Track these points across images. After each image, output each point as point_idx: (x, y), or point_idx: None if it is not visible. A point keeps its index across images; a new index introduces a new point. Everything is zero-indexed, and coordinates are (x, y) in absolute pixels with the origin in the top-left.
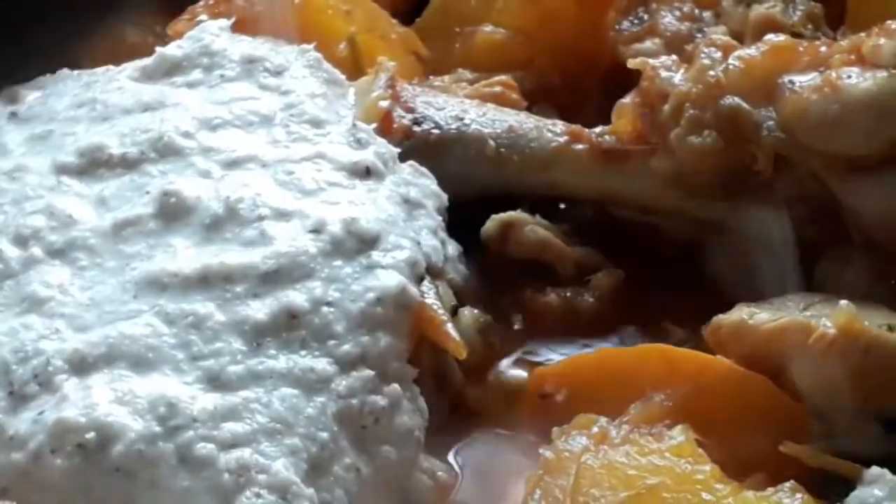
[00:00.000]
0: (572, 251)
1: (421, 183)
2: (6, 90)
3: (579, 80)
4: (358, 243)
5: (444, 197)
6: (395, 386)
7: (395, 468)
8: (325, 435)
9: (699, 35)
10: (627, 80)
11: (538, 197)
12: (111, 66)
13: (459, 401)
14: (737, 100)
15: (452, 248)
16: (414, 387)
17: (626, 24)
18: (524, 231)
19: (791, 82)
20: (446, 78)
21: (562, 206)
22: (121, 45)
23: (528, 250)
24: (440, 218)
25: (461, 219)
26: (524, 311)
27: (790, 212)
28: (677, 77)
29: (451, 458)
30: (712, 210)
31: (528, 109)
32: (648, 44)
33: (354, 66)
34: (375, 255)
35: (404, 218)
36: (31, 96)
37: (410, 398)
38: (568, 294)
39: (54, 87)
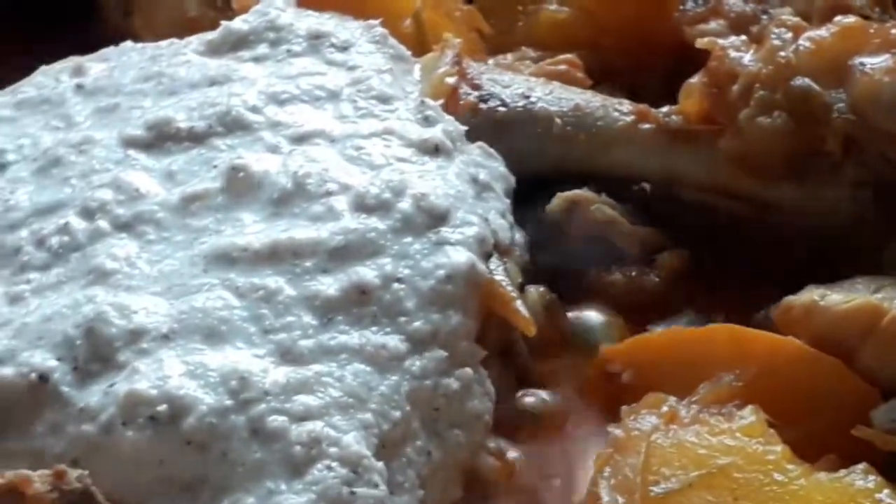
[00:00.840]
0: (637, 230)
1: (490, 165)
2: (71, 62)
3: (643, 61)
4: (427, 219)
5: (513, 179)
6: (468, 370)
7: (464, 452)
8: (397, 413)
9: (764, 16)
10: (692, 60)
11: (603, 176)
12: (175, 40)
13: (526, 378)
14: (808, 81)
15: (519, 235)
16: (482, 369)
17: (690, 4)
18: (590, 209)
19: (862, 64)
20: (510, 56)
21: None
22: (182, 18)
23: (594, 229)
24: (508, 201)
25: (526, 196)
26: (589, 290)
27: (858, 194)
28: (747, 57)
29: None
30: (779, 192)
31: (593, 89)
32: (713, 24)
33: (419, 43)
34: (444, 232)
35: (473, 195)
36: (95, 69)
37: (479, 381)
38: (633, 273)
39: (119, 60)
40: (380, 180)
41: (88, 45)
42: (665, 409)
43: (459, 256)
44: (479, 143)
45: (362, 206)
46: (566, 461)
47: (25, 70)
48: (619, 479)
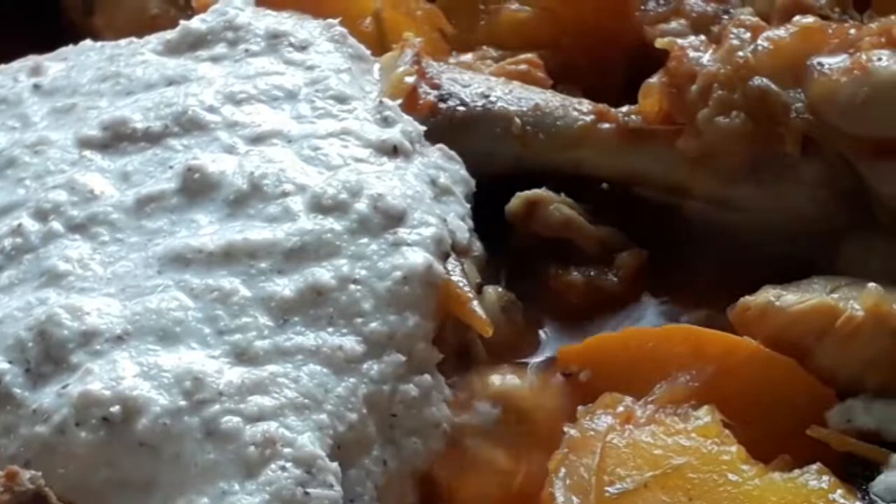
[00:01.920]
0: (596, 230)
1: (451, 167)
2: (30, 61)
3: (604, 60)
4: (384, 220)
5: (473, 183)
6: (427, 376)
7: (421, 460)
8: (353, 416)
9: (725, 16)
10: (653, 60)
11: (562, 176)
12: (134, 39)
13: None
14: (766, 81)
15: (476, 237)
16: (439, 375)
17: (651, 4)
18: (549, 209)
19: (820, 64)
20: (471, 55)
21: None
22: (143, 17)
23: (553, 229)
24: (468, 205)
25: (485, 196)
26: (547, 290)
27: (817, 194)
28: (706, 57)
29: None
30: (738, 191)
31: (553, 88)
32: (674, 24)
33: (379, 42)
34: (401, 233)
35: (431, 196)
36: (54, 68)
37: (437, 387)
38: (592, 273)
39: (77, 59)
40: (336, 181)
41: (51, 43)
42: (621, 409)
43: (416, 257)
44: (440, 146)
45: (319, 206)
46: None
47: None
48: (574, 480)
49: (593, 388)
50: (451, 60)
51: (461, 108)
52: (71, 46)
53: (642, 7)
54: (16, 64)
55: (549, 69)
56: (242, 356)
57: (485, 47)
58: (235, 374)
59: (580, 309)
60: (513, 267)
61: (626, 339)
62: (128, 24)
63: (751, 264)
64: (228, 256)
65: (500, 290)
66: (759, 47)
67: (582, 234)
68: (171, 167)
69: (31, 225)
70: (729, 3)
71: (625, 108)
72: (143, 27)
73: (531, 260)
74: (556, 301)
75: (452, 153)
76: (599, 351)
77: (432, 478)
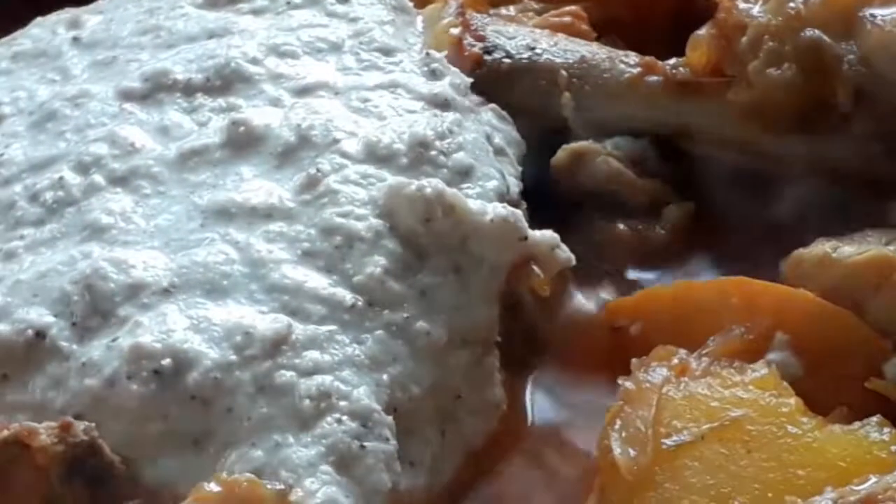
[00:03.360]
0: (644, 183)
1: (504, 129)
2: (68, 14)
3: (647, 13)
4: (450, 174)
5: (524, 145)
6: (493, 358)
7: (478, 438)
8: (416, 390)
9: None
10: (696, 13)
11: (610, 129)
12: None
13: (532, 334)
14: (818, 32)
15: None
16: (496, 352)
17: None
18: (596, 161)
19: (872, 15)
20: (512, 8)
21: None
22: None
23: (599, 181)
24: (520, 168)
25: (530, 148)
26: (593, 243)
27: (868, 147)
28: (756, 9)
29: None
30: (788, 145)
31: (597, 41)
32: None
33: None
34: (465, 187)
35: (491, 153)
36: (92, 21)
37: (497, 367)
38: (639, 226)
39: (115, 13)
40: (391, 130)
41: None
42: (675, 361)
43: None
44: (493, 106)
45: (374, 156)
46: (576, 414)
47: (22, 20)
48: (630, 432)
49: (643, 342)
50: (493, 13)
51: (507, 61)
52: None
53: None
54: (53, 16)
55: (593, 22)
56: (295, 314)
57: (526, 0)
58: (288, 330)
59: (627, 261)
60: (557, 220)
61: (678, 292)
62: None
63: (798, 217)
64: (270, 215)
65: None
66: None
67: (629, 186)
68: (213, 120)
69: (73, 178)
70: None
71: (672, 61)
72: None
73: (576, 213)
74: (603, 254)
75: (504, 113)
76: (650, 304)
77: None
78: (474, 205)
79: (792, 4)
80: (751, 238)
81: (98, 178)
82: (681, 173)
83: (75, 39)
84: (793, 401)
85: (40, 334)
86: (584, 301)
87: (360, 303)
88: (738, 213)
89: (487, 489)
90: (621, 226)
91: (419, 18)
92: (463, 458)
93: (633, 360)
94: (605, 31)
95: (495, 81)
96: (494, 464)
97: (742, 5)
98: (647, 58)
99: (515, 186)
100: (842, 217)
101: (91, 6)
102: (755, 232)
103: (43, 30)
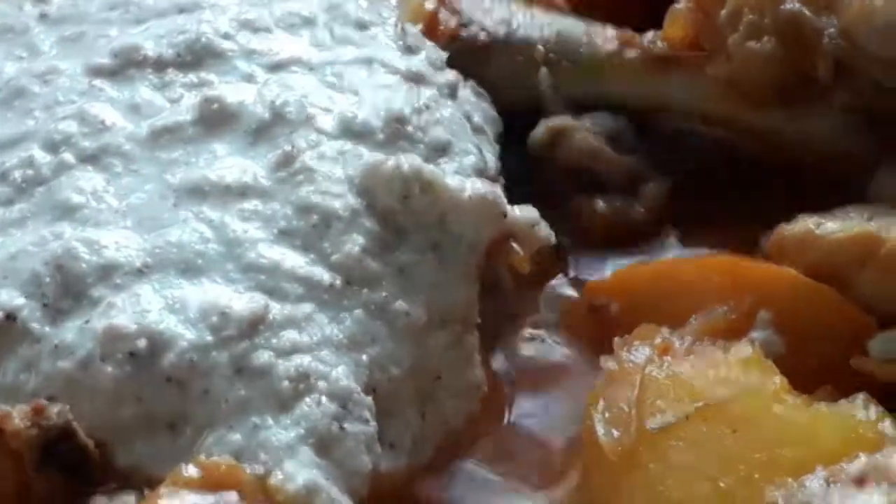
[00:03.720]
0: (622, 160)
1: (482, 107)
2: None
3: None
4: (427, 150)
5: (501, 124)
6: (473, 338)
7: (459, 419)
8: (396, 371)
9: None
10: None
11: (587, 104)
12: None
13: (510, 313)
14: (797, 5)
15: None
16: (477, 334)
17: None
18: (575, 139)
19: None
20: None
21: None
22: None
23: (578, 158)
24: (497, 146)
25: (507, 125)
26: (571, 220)
27: (848, 122)
28: None
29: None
30: (768, 119)
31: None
32: None
33: None
34: (442, 163)
35: (469, 129)
36: None
37: (476, 348)
38: (618, 204)
39: None
40: (367, 106)
41: None
42: (659, 340)
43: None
44: (471, 84)
45: (349, 131)
46: (555, 394)
47: None
48: (613, 413)
49: (623, 321)
50: None
51: (483, 35)
52: None
53: None
54: None
55: None
56: (272, 293)
57: None
58: (265, 310)
59: (605, 239)
60: (535, 198)
61: (658, 270)
62: None
63: (778, 193)
64: (244, 193)
65: None
66: None
67: (608, 163)
68: (184, 97)
69: (42, 157)
70: None
71: (650, 35)
72: None
73: (553, 191)
74: (581, 232)
75: (481, 90)
76: (630, 283)
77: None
78: (452, 181)
79: None
80: (729, 215)
81: (68, 157)
82: (658, 150)
83: (42, 15)
84: (777, 379)
85: (11, 316)
86: (562, 279)
87: (338, 282)
88: (716, 190)
89: (467, 470)
90: (600, 203)
91: None
92: (443, 438)
93: (616, 340)
94: (581, 4)
95: (471, 56)
96: (474, 444)
97: None
98: (625, 32)
99: (493, 163)
100: (821, 192)
101: None
102: (734, 209)
103: (9, 5)
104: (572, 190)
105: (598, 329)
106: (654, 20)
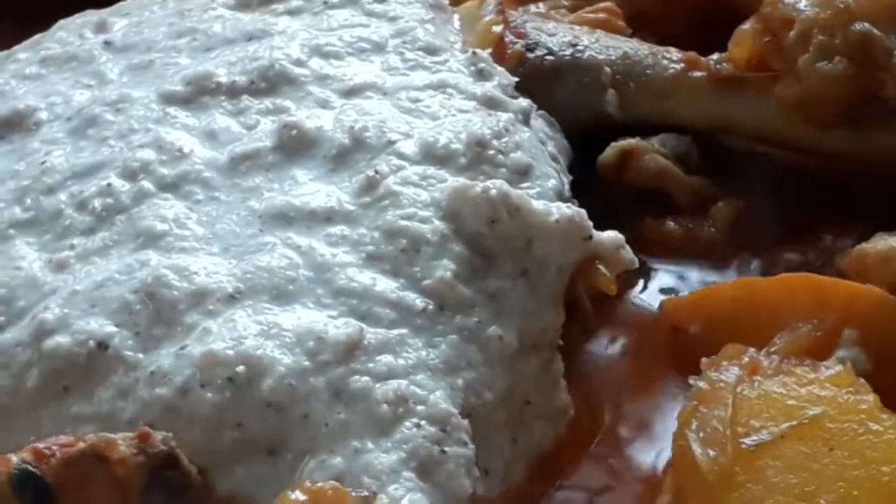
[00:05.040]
0: (691, 180)
1: (555, 137)
2: (93, 17)
3: (675, 8)
4: (509, 174)
5: (572, 154)
6: (560, 364)
7: (547, 443)
8: (489, 396)
9: None
10: (722, 7)
11: (655, 125)
12: None
13: (590, 335)
14: (867, 25)
15: None
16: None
17: None
18: (644, 159)
19: None
20: (542, 5)
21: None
22: None
23: (647, 179)
24: (570, 177)
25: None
26: (642, 241)
27: None
28: (802, 3)
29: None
30: (835, 139)
31: (632, 37)
32: None
33: None
34: (524, 187)
35: (545, 153)
36: (119, 24)
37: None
38: (689, 224)
39: (141, 15)
40: (447, 130)
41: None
42: (746, 360)
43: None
44: (542, 113)
45: (432, 156)
46: (643, 414)
47: (34, 21)
48: (707, 433)
49: (703, 341)
50: (522, 9)
51: (549, 58)
52: (130, 1)
53: None
54: (77, 19)
55: (624, 17)
56: (365, 318)
57: None
58: (360, 335)
59: (676, 260)
60: (604, 219)
61: (739, 289)
62: None
63: (846, 210)
64: (330, 218)
65: None
66: None
67: (677, 183)
68: (261, 123)
69: (121, 185)
70: None
71: (715, 56)
72: None
73: (622, 212)
74: (652, 252)
75: (553, 120)
76: (710, 302)
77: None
78: (538, 205)
79: None
80: (799, 234)
81: (147, 185)
82: (725, 170)
83: (107, 43)
84: (871, 397)
85: (102, 345)
86: (639, 300)
87: (430, 307)
88: (784, 210)
89: (557, 494)
90: (671, 223)
91: (455, 16)
92: (533, 463)
93: (703, 360)
94: (636, 26)
95: (538, 79)
96: (563, 468)
97: (787, 0)
98: (690, 53)
99: (568, 190)
100: (891, 211)
101: (113, 8)
102: (803, 228)
103: (69, 33)
104: (642, 210)
105: (678, 349)
106: (704, 41)
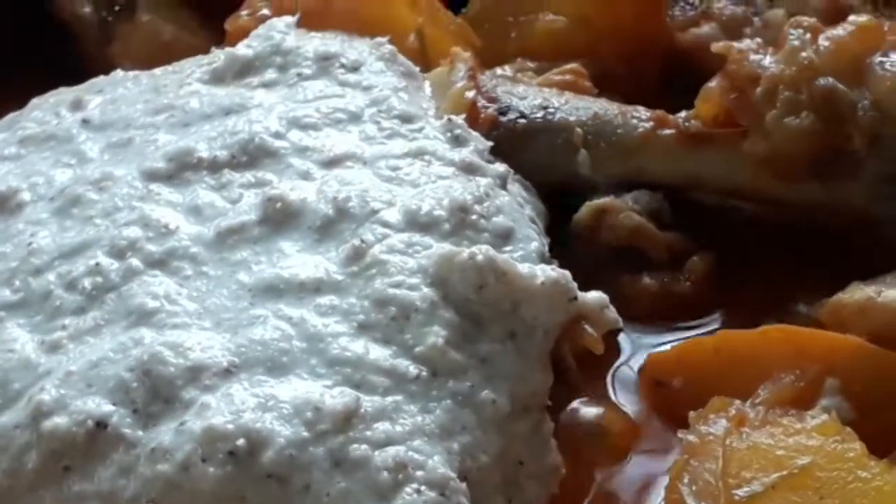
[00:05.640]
0: (665, 236)
1: (532, 201)
2: (68, 94)
3: (639, 66)
4: (492, 237)
5: (548, 217)
6: (551, 423)
7: (541, 503)
8: (484, 459)
9: (755, 18)
10: (684, 64)
11: (624, 184)
12: (171, 68)
13: (575, 392)
14: (832, 80)
15: None
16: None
17: (678, 10)
18: (619, 217)
19: (881, 63)
20: (508, 68)
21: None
22: (156, 44)
23: (622, 236)
24: (547, 239)
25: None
26: (618, 298)
27: (880, 190)
28: (767, 59)
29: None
30: (803, 191)
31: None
32: (706, 28)
33: (422, 59)
34: (507, 250)
35: (525, 216)
36: (94, 101)
37: (551, 431)
38: (665, 279)
39: (115, 91)
40: (428, 198)
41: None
42: (733, 412)
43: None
44: (518, 177)
45: (414, 223)
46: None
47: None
48: (700, 486)
49: (687, 394)
50: (488, 73)
51: (522, 121)
52: (103, 78)
53: (670, 13)
54: (50, 97)
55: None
56: (360, 387)
57: (519, 59)
58: (356, 403)
59: (652, 315)
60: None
61: (720, 343)
62: (144, 52)
63: (819, 260)
64: (319, 289)
65: None
66: (822, 47)
67: (652, 240)
68: (245, 197)
69: (109, 263)
70: (756, 5)
71: (683, 114)
72: (158, 54)
73: (598, 269)
74: (628, 309)
75: (528, 184)
76: (692, 356)
77: None
78: (524, 269)
79: (804, 54)
80: (774, 285)
81: (135, 262)
82: (697, 225)
83: (84, 121)
84: (857, 445)
85: (101, 424)
86: (622, 358)
87: (424, 373)
88: (758, 261)
89: None
90: (647, 279)
91: (427, 83)
92: None
93: (691, 413)
94: (601, 86)
95: (510, 142)
96: None
97: (753, 56)
98: (658, 112)
99: (547, 252)
100: (864, 258)
101: (86, 85)
102: (778, 279)
103: (44, 112)
104: (618, 268)
105: (662, 402)
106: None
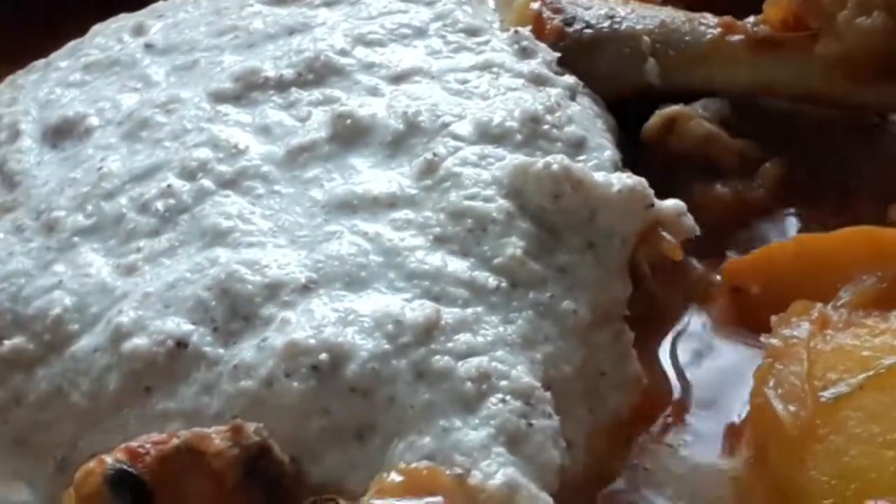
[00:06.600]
0: (736, 143)
1: (603, 115)
2: (127, 21)
3: None
4: (565, 147)
5: (618, 129)
6: (631, 333)
7: (624, 411)
8: (567, 369)
9: None
10: None
11: (695, 91)
12: None
13: (652, 303)
14: None
15: None
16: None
17: None
18: (689, 125)
19: None
20: None
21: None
22: None
23: (694, 144)
24: (619, 154)
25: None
26: (692, 206)
27: None
28: None
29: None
30: (874, 94)
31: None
32: None
33: None
34: (581, 159)
35: (598, 124)
36: (156, 26)
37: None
38: (738, 187)
39: (176, 16)
40: (499, 109)
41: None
42: (815, 315)
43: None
44: (587, 90)
45: (487, 135)
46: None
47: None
48: (786, 388)
49: (765, 300)
50: None
51: (588, 31)
52: (161, 3)
53: None
54: (111, 24)
55: None
56: (440, 299)
57: None
58: (437, 315)
59: (727, 223)
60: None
61: (799, 246)
62: None
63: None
64: (394, 203)
65: None
66: None
67: (723, 147)
68: (314, 114)
69: (181, 185)
70: None
71: (751, 19)
72: None
73: (668, 178)
74: (702, 217)
75: (597, 97)
76: (770, 262)
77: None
78: (599, 177)
79: None
80: (847, 189)
81: (207, 183)
82: (769, 131)
83: (148, 46)
84: None
85: (181, 343)
86: (697, 265)
87: (503, 284)
88: (830, 166)
89: (636, 462)
90: (720, 187)
91: None
92: (612, 433)
93: (773, 317)
94: None
95: (578, 53)
96: (640, 436)
97: None
98: (726, 18)
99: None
100: None
101: (147, 11)
102: (851, 183)
103: (107, 38)
104: (689, 177)
105: (740, 309)
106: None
